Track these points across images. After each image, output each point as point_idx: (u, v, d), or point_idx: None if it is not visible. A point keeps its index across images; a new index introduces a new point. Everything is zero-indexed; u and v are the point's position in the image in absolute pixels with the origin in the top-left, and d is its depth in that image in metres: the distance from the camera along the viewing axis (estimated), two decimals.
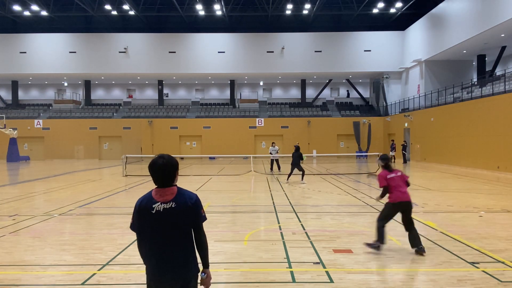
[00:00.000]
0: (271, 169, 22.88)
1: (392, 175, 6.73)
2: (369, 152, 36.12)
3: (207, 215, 3.06)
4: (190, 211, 2.99)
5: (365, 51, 40.11)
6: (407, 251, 6.68)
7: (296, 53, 40.38)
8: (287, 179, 17.70)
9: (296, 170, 17.40)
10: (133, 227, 3.08)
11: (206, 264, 3.11)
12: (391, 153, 31.44)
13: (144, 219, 2.98)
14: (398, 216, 9.47)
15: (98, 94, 48.00)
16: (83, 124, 40.97)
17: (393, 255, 6.41)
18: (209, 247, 3.13)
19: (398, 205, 6.69)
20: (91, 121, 41.31)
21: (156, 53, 40.72)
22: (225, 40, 40.84)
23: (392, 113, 38.47)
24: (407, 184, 6.83)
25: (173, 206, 2.96)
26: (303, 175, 17.19)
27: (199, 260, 3.09)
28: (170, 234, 2.96)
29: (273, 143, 24.14)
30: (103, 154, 41.43)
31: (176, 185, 3.07)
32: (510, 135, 20.32)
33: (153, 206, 2.96)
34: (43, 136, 40.71)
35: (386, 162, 6.88)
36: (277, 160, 23.01)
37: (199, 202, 3.07)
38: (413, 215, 9.49)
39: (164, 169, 2.99)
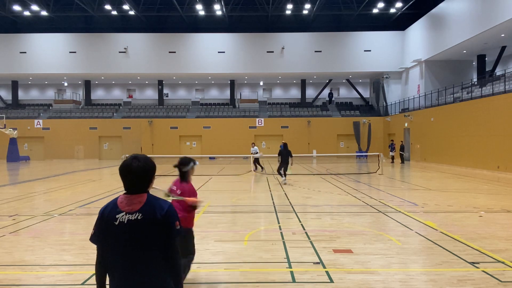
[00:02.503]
0: (256, 168, 22.76)
1: (173, 187, 4.85)
2: (369, 152, 36.13)
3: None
4: (159, 225, 2.46)
5: (365, 51, 40.10)
6: (407, 251, 6.68)
7: (296, 53, 40.38)
8: (284, 179, 16.68)
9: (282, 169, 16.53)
10: (92, 238, 2.55)
11: (177, 287, 2.53)
12: (390, 153, 31.44)
13: (107, 232, 2.49)
14: (398, 217, 9.49)
15: (98, 94, 48.00)
16: (83, 124, 40.97)
17: (393, 255, 6.41)
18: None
19: None
20: (91, 121, 41.31)
21: (156, 53, 40.72)
22: (225, 40, 40.84)
23: (392, 113, 38.48)
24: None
25: (139, 218, 2.45)
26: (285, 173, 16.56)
27: None
28: (136, 252, 2.44)
29: (253, 143, 24.67)
30: (103, 154, 41.43)
31: (147, 192, 2.57)
32: (510, 135, 20.33)
33: (117, 216, 2.47)
34: (43, 136, 40.71)
35: (178, 168, 4.93)
36: (257, 160, 23.22)
37: (172, 213, 2.53)
38: (413, 215, 9.58)
39: (137, 173, 2.51)
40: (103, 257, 2.52)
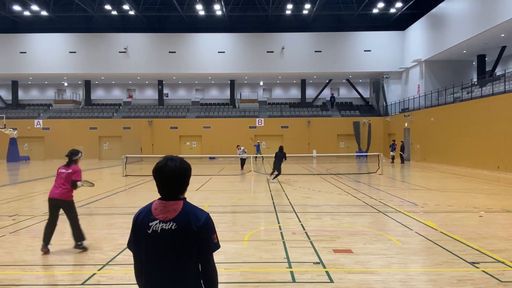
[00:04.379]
0: (242, 168, 24.38)
1: (63, 170, 6.75)
2: (369, 152, 36.12)
3: None
4: (194, 237, 2.31)
5: (365, 51, 40.09)
6: (407, 251, 6.68)
7: (296, 53, 40.37)
8: (273, 178, 17.40)
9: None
10: (129, 244, 2.47)
11: None
12: (391, 153, 31.42)
13: (139, 239, 2.37)
14: (398, 217, 9.49)
15: (98, 94, 48.00)
16: (83, 124, 40.97)
17: (393, 255, 6.41)
18: None
19: (49, 201, 6.76)
20: (91, 121, 41.31)
21: (156, 53, 40.71)
22: (225, 40, 40.84)
23: (392, 113, 38.47)
24: (73, 185, 6.73)
25: (173, 227, 2.31)
26: (277, 175, 17.33)
27: None
28: (168, 262, 2.31)
29: (238, 145, 26.06)
30: (103, 154, 41.42)
31: (184, 199, 2.44)
32: (510, 135, 20.33)
33: (150, 224, 2.34)
34: (43, 136, 40.70)
35: (69, 157, 6.85)
36: (244, 160, 24.87)
37: (208, 225, 2.38)
38: (413, 215, 9.57)
39: (174, 176, 2.37)
40: (136, 264, 2.43)
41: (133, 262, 2.50)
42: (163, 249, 2.31)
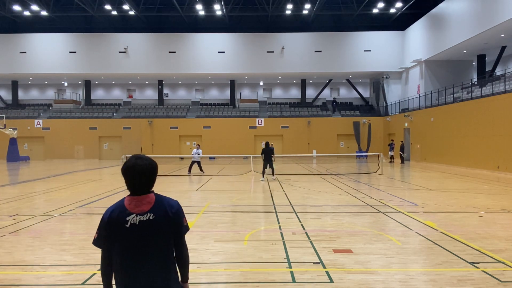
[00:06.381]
0: (189, 171, 21.84)
1: None
2: (369, 152, 36.13)
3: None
4: (171, 222, 2.54)
5: (365, 51, 40.11)
6: (407, 251, 6.68)
7: (296, 53, 40.39)
8: (273, 175, 18.50)
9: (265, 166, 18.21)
10: (97, 242, 2.56)
11: (185, 278, 2.68)
12: (390, 153, 31.43)
13: (116, 234, 2.49)
14: (398, 217, 9.49)
15: (98, 94, 48.01)
16: (83, 124, 40.98)
17: (393, 255, 6.41)
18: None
19: None
20: (91, 121, 41.32)
21: (156, 53, 40.73)
22: (225, 40, 40.85)
23: (392, 113, 38.48)
24: None
25: (151, 218, 2.49)
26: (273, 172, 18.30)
27: None
28: (147, 250, 2.48)
29: (198, 145, 23.28)
30: (103, 154, 41.42)
31: (153, 192, 2.61)
32: (510, 135, 20.33)
33: (127, 219, 2.48)
34: (43, 136, 40.71)
35: None
36: (199, 162, 21.97)
37: (181, 210, 2.62)
38: (413, 215, 9.57)
39: (145, 173, 2.54)
40: (110, 259, 2.53)
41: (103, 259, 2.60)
42: (143, 240, 2.48)
